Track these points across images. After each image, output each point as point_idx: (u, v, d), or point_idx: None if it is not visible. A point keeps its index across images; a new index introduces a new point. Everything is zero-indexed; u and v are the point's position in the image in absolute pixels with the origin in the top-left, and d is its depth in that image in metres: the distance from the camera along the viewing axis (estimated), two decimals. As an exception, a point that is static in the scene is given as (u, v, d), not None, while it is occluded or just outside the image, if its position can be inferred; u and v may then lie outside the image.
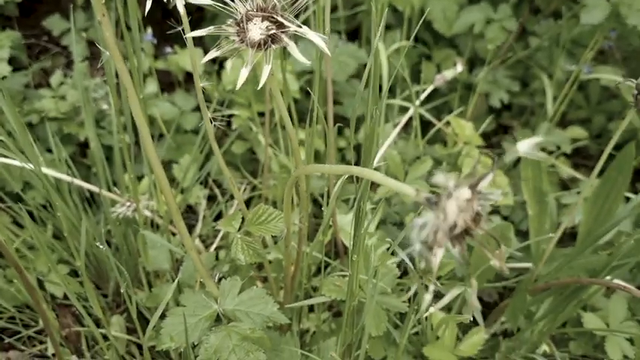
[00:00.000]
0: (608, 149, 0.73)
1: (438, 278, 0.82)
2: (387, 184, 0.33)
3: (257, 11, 0.41)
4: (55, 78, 1.10)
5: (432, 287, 0.32)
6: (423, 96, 1.11)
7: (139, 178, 1.03)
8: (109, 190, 0.94)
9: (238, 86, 0.38)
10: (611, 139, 0.72)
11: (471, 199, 0.29)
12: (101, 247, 0.74)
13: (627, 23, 1.06)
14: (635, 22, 1.05)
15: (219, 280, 0.73)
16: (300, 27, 0.40)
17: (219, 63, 1.29)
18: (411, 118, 1.12)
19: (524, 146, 0.29)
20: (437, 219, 0.29)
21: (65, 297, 0.96)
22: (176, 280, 0.74)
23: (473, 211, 0.30)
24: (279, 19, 0.41)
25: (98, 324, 0.92)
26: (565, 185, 1.19)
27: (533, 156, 0.28)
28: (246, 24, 0.40)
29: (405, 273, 0.82)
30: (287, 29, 0.40)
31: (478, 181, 0.30)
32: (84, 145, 1.15)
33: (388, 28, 1.28)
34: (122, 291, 0.74)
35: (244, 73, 0.39)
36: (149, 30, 1.18)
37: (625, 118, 0.70)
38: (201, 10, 1.31)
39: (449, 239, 0.30)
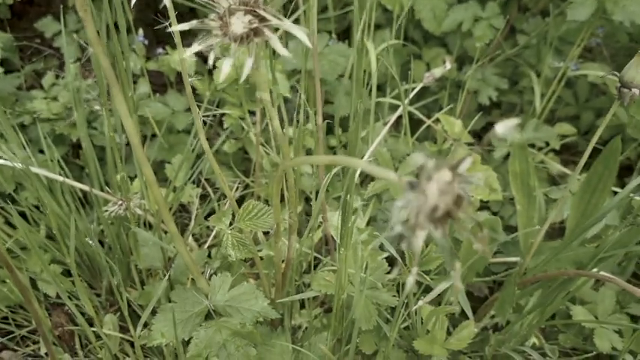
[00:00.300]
0: (593, 142, 0.74)
1: (428, 272, 0.82)
2: (369, 171, 0.34)
3: (240, 5, 0.42)
4: (47, 79, 1.11)
5: (415, 270, 0.33)
6: (412, 94, 1.12)
7: (132, 178, 1.03)
8: (102, 190, 0.95)
9: (221, 79, 0.39)
10: (597, 133, 0.73)
11: (451, 182, 0.30)
12: (91, 243, 0.75)
13: (614, 20, 1.07)
14: (621, 19, 1.06)
15: (211, 276, 0.73)
16: (282, 20, 0.41)
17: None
18: (400, 117, 1.12)
19: (502, 128, 0.29)
20: (417, 201, 0.29)
21: (58, 296, 0.96)
22: (166, 277, 0.75)
23: (454, 193, 0.30)
24: (262, 13, 0.41)
25: (91, 323, 0.92)
26: (554, 181, 1.20)
27: (511, 137, 0.29)
28: (229, 18, 0.41)
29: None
30: (269, 23, 0.41)
31: (458, 164, 0.30)
32: (77, 146, 1.15)
33: (378, 27, 1.29)
34: (115, 284, 0.74)
35: (227, 66, 0.39)
36: (140, 31, 1.19)
37: (610, 111, 0.71)
38: (193, 12, 1.32)
39: (430, 222, 0.30)
